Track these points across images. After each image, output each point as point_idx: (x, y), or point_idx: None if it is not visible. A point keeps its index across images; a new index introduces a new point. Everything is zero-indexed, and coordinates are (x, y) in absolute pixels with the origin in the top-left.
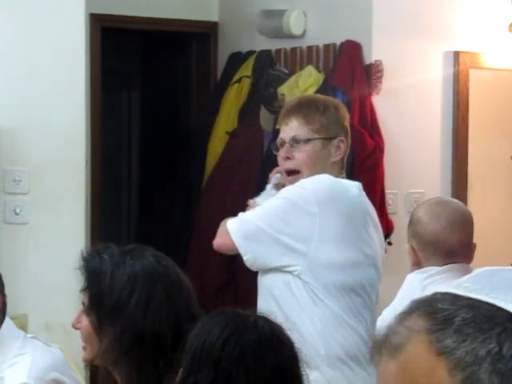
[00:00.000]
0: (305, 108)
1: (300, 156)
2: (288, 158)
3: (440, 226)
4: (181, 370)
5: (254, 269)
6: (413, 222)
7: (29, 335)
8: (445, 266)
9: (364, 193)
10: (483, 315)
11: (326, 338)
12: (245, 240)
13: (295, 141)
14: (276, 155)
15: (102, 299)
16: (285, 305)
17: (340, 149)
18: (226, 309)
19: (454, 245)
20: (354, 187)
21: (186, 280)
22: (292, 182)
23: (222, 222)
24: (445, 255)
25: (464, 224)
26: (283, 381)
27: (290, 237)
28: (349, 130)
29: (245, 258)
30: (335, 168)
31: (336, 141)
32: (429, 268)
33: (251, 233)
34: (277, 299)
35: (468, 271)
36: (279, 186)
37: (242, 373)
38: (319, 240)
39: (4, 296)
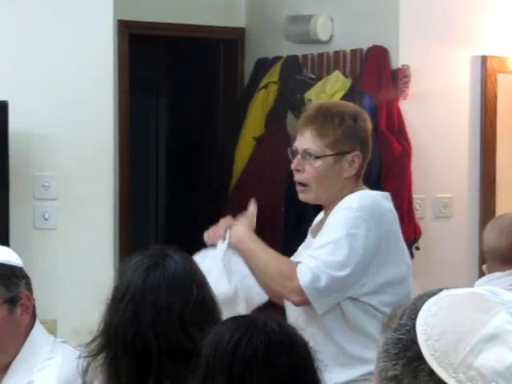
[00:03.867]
0: (320, 119)
1: (310, 171)
2: (298, 170)
3: (491, 234)
4: (196, 379)
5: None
6: None
7: (59, 339)
8: (507, 271)
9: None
10: (403, 344)
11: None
12: (322, 297)
13: (307, 154)
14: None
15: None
16: (333, 328)
17: (354, 163)
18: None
19: (503, 249)
20: (386, 198)
21: (185, 288)
22: (301, 194)
23: (284, 265)
24: (500, 262)
25: None
26: (297, 381)
27: (359, 270)
28: (369, 141)
29: (319, 313)
30: (349, 182)
31: (350, 156)
32: (493, 274)
33: (327, 288)
34: (323, 323)
35: None
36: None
37: (255, 375)
38: (375, 261)
39: (33, 300)
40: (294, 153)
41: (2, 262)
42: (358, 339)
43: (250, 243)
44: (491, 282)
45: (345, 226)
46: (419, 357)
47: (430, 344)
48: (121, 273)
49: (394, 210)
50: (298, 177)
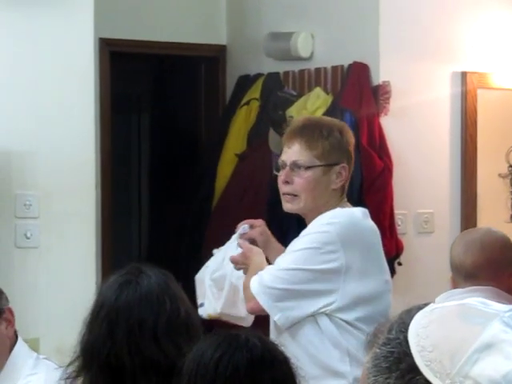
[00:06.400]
0: (308, 132)
1: (299, 182)
2: (287, 182)
3: (458, 249)
4: None
5: (286, 327)
6: None
7: (41, 356)
8: (467, 288)
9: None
10: (394, 357)
11: (354, 365)
12: (273, 303)
13: (296, 165)
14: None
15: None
16: (309, 341)
17: (341, 175)
18: (220, 330)
19: (469, 266)
20: (365, 215)
21: (158, 301)
22: (288, 203)
23: (245, 283)
24: (465, 278)
25: (482, 247)
26: None
27: (318, 283)
28: (353, 154)
29: (275, 319)
30: (336, 194)
31: (338, 167)
32: (454, 290)
33: (278, 296)
34: (300, 337)
35: (494, 294)
36: (245, 237)
37: None
38: (346, 278)
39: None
40: (281, 166)
41: None
42: (333, 353)
43: (253, 264)
44: (451, 298)
45: (307, 240)
46: (413, 368)
47: (425, 355)
48: (97, 292)
49: (374, 226)
50: (286, 188)
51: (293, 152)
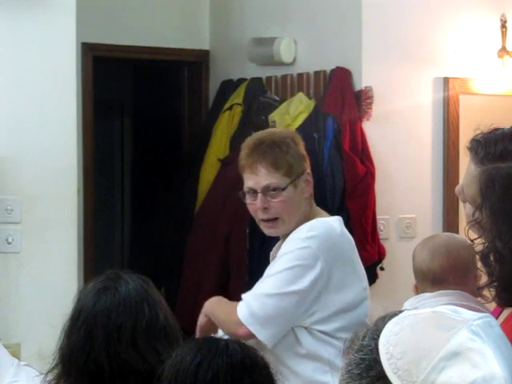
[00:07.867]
0: (269, 153)
1: (278, 205)
2: (266, 209)
3: (423, 255)
4: None
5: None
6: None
7: (22, 363)
8: (437, 292)
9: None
10: (365, 364)
11: (335, 375)
12: (262, 327)
13: (269, 190)
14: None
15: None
16: (288, 355)
17: (309, 182)
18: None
19: (437, 271)
20: (341, 224)
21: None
22: (271, 229)
23: (230, 307)
24: (432, 283)
25: (448, 251)
26: None
27: (306, 301)
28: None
29: (266, 343)
30: (308, 201)
31: (304, 176)
32: (423, 294)
33: (270, 323)
34: (279, 351)
35: (462, 298)
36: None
37: None
38: (326, 290)
39: None
40: (248, 193)
41: None
42: (313, 365)
43: (210, 306)
44: (422, 303)
45: (288, 259)
46: (382, 376)
47: (393, 362)
48: (76, 298)
49: (348, 234)
50: (265, 215)
51: (260, 177)
